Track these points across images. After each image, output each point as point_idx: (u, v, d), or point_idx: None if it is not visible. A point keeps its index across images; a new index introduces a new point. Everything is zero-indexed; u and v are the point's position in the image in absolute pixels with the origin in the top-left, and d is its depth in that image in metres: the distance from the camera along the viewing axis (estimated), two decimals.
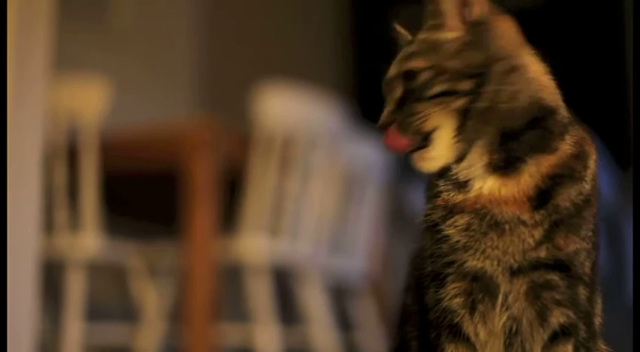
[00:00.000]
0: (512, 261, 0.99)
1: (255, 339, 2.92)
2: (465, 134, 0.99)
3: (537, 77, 1.02)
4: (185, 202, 2.81)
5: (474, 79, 0.98)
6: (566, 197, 0.99)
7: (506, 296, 0.99)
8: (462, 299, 1.01)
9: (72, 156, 2.84)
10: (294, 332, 3.22)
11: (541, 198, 0.99)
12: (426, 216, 1.03)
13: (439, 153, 1.00)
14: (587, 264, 1.01)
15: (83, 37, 3.63)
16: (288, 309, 3.50)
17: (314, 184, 3.06)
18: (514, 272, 0.99)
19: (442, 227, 1.01)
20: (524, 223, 0.98)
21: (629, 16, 4.55)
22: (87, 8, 3.71)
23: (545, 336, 1.00)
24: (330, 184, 3.18)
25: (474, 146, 0.99)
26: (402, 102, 1.01)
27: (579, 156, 1.01)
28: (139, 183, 3.17)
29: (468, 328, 1.01)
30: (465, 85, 0.98)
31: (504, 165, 0.99)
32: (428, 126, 0.99)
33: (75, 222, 2.85)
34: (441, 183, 1.02)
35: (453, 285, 1.01)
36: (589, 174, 1.01)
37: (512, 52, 1.01)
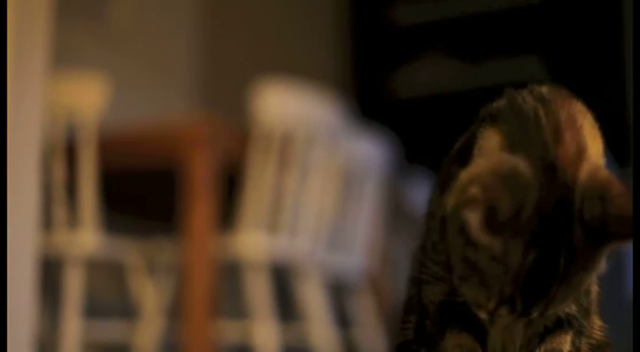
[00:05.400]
0: None
1: (254, 336, 2.92)
2: None
3: None
4: (184, 199, 2.81)
5: None
6: None
7: None
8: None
9: (70, 153, 2.84)
10: (293, 328, 3.22)
11: None
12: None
13: None
14: None
15: (82, 34, 3.63)
16: (286, 306, 3.50)
17: (313, 181, 3.06)
18: None
19: None
20: None
21: (628, 14, 4.55)
22: (86, 5, 3.70)
23: (549, 322, 1.00)
24: (328, 181, 3.18)
25: None
26: None
27: None
28: (138, 179, 3.17)
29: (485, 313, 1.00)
30: None
31: None
32: None
33: (73, 218, 2.85)
34: None
35: None
36: None
37: None
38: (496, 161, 0.89)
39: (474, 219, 0.86)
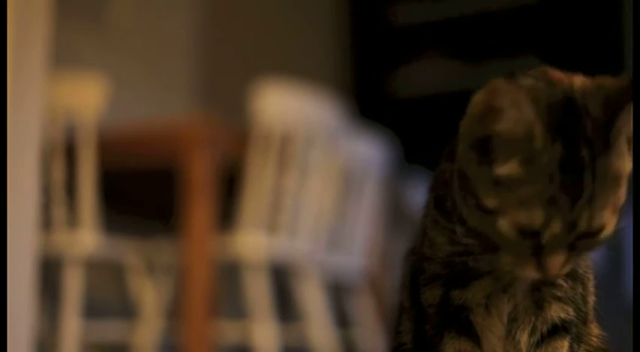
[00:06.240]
0: None
1: (253, 336, 2.92)
2: None
3: None
4: (183, 199, 2.81)
5: None
6: None
7: (516, 285, 1.00)
8: (481, 295, 1.01)
9: (70, 153, 2.84)
10: (292, 329, 3.22)
11: None
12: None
13: None
14: (584, 263, 1.03)
15: (81, 35, 3.63)
16: (286, 306, 3.50)
17: (312, 181, 3.06)
18: None
19: None
20: None
21: (628, 14, 4.55)
22: (85, 6, 3.70)
23: (545, 328, 1.01)
24: (328, 181, 3.18)
25: None
26: None
27: None
28: (137, 180, 3.17)
29: (477, 322, 1.01)
30: None
31: None
32: None
33: (73, 218, 2.85)
34: None
35: (475, 283, 1.00)
36: None
37: None
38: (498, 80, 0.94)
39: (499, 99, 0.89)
